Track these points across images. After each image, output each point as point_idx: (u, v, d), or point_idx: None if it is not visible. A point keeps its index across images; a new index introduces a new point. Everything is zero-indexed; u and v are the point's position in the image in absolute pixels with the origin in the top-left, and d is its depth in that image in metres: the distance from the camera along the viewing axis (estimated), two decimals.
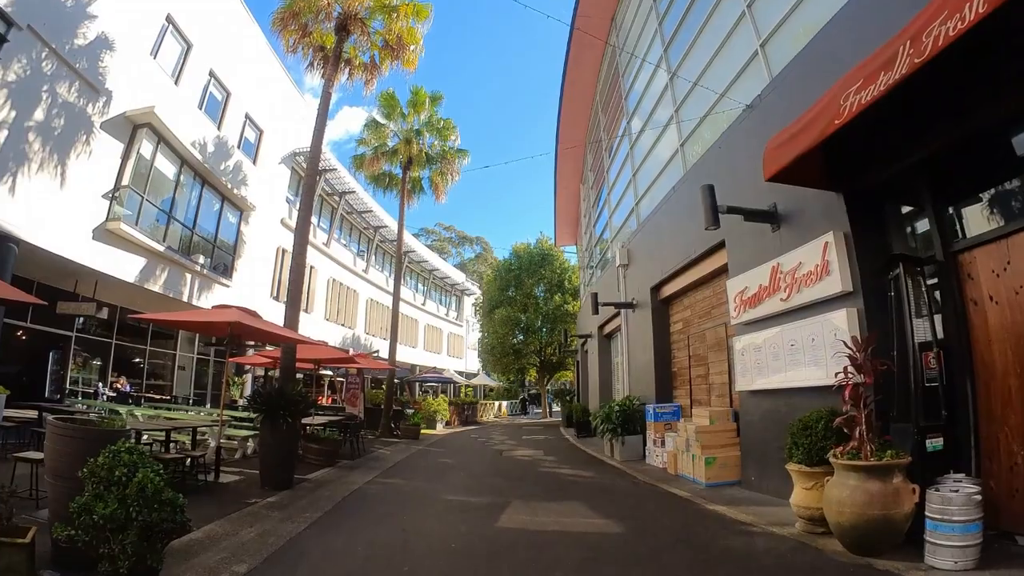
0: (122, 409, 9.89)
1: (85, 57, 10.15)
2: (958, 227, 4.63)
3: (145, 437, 7.34)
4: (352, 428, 11.61)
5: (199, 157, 13.51)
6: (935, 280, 4.70)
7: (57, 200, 9.64)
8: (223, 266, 15.53)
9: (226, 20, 14.96)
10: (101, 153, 10.67)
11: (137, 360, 14.69)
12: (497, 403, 36.03)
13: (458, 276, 42.68)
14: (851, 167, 5.04)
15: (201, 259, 13.99)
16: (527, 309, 30.96)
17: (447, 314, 41.30)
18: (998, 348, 4.22)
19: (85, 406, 10.41)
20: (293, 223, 14.42)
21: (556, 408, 34.60)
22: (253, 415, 8.17)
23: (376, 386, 24.99)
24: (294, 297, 9.15)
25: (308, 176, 10.23)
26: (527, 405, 43.79)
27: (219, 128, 14.86)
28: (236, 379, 17.77)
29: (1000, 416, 4.17)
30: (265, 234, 17.78)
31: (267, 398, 7.14)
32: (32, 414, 8.13)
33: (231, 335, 7.30)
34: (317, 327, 21.11)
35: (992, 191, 4.45)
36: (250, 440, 9.41)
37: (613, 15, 15.47)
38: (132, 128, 11.52)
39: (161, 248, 12.37)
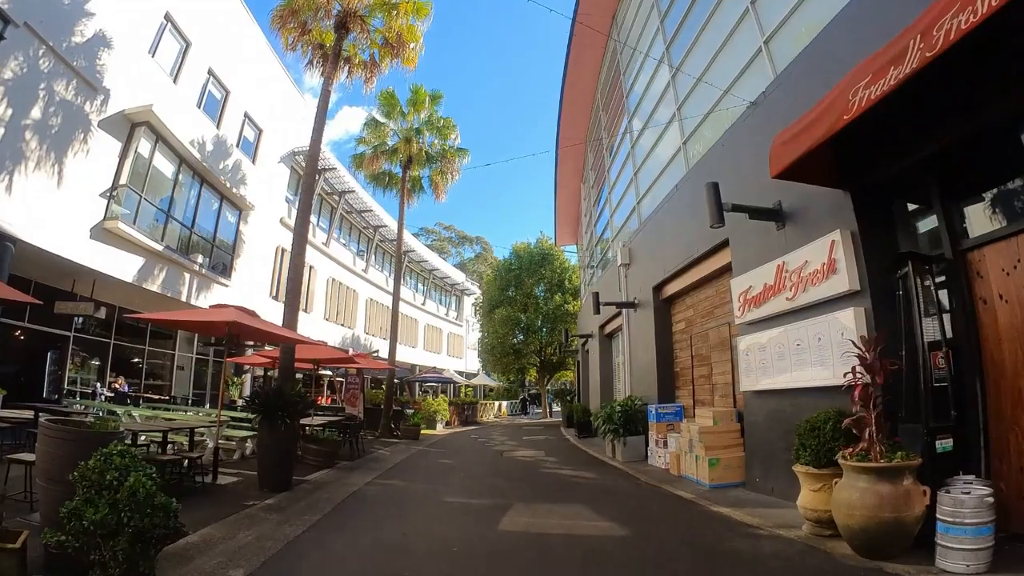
0: (120, 409, 9.81)
1: (83, 55, 10.06)
2: (967, 224, 4.56)
3: (143, 438, 7.27)
4: (351, 428, 11.53)
5: (198, 156, 13.43)
6: (943, 278, 4.63)
7: (54, 199, 9.55)
8: (222, 266, 15.45)
9: (225, 19, 14.89)
10: (99, 152, 10.58)
11: (136, 360, 14.60)
12: (497, 403, 35.96)
13: (458, 276, 42.60)
14: (859, 163, 4.97)
15: (200, 258, 13.90)
16: (527, 309, 30.89)
17: (447, 314, 41.22)
18: (1008, 347, 4.15)
19: (83, 406, 10.32)
20: (293, 222, 14.34)
21: (556, 408, 34.54)
22: (251, 416, 8.09)
23: (376, 386, 24.91)
24: (293, 297, 9.07)
25: (307, 175, 10.16)
26: (527, 405, 43.71)
27: (218, 127, 14.77)
28: (235, 379, 17.68)
29: (1010, 416, 4.11)
30: (264, 233, 17.70)
31: (265, 398, 7.06)
32: (28, 414, 8.04)
33: (229, 335, 7.22)
34: (316, 327, 21.03)
35: (1002, 188, 4.37)
36: (249, 441, 9.32)
37: (614, 14, 15.40)
38: (130, 127, 11.43)
39: (159, 247, 12.28)
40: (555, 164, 22.63)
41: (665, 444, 9.03)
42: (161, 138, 12.29)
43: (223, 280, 15.12)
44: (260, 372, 18.14)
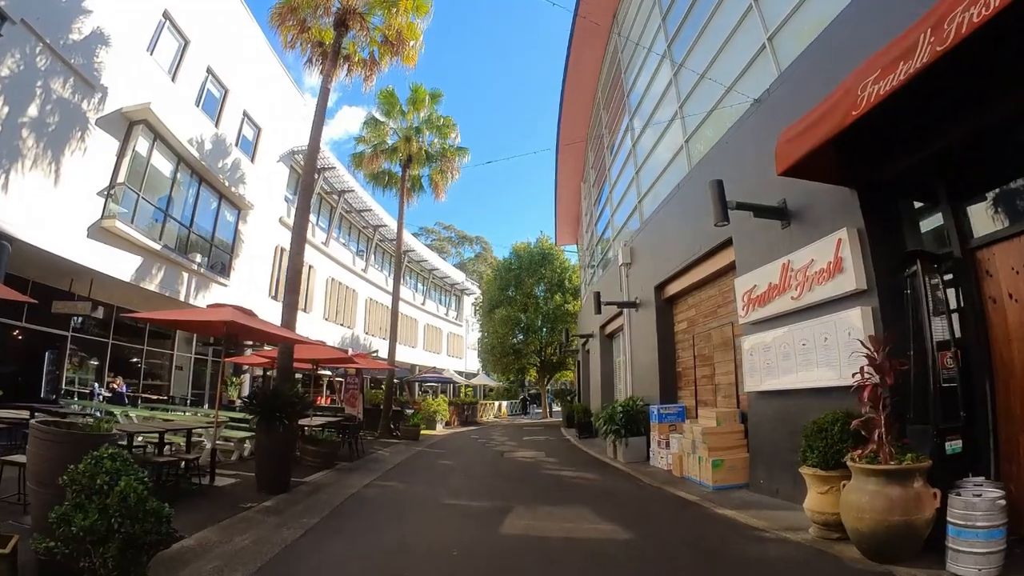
0: (117, 410, 9.73)
1: (80, 53, 9.99)
2: (976, 223, 4.49)
3: (139, 439, 7.19)
4: (351, 429, 11.45)
5: (196, 154, 13.34)
6: (951, 277, 4.56)
7: (51, 197, 9.48)
8: (221, 265, 15.36)
9: (225, 18, 14.81)
10: (96, 150, 10.50)
11: (134, 360, 14.52)
12: (497, 403, 35.89)
13: (458, 276, 42.51)
14: (866, 160, 4.89)
15: (198, 258, 13.82)
16: (527, 309, 30.82)
17: (447, 314, 41.14)
18: (1018, 347, 4.09)
19: (80, 407, 10.24)
20: (292, 222, 14.28)
21: (556, 408, 34.47)
22: (250, 416, 8.01)
23: (375, 386, 24.82)
24: (291, 296, 9.00)
25: (306, 174, 10.09)
26: (528, 405, 43.65)
27: (217, 125, 14.69)
28: (234, 379, 17.60)
29: (1020, 417, 4.05)
30: (263, 233, 17.61)
31: (263, 399, 6.98)
32: (25, 415, 7.96)
33: (227, 334, 7.14)
34: (316, 327, 20.95)
35: (1012, 185, 4.30)
36: (247, 442, 9.24)
37: (615, 12, 15.32)
38: (128, 125, 11.35)
39: (157, 247, 12.20)
40: (555, 163, 22.57)
41: (667, 445, 8.96)
42: (159, 136, 12.21)
43: (222, 280, 15.04)
44: (259, 372, 18.06)
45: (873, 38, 4.46)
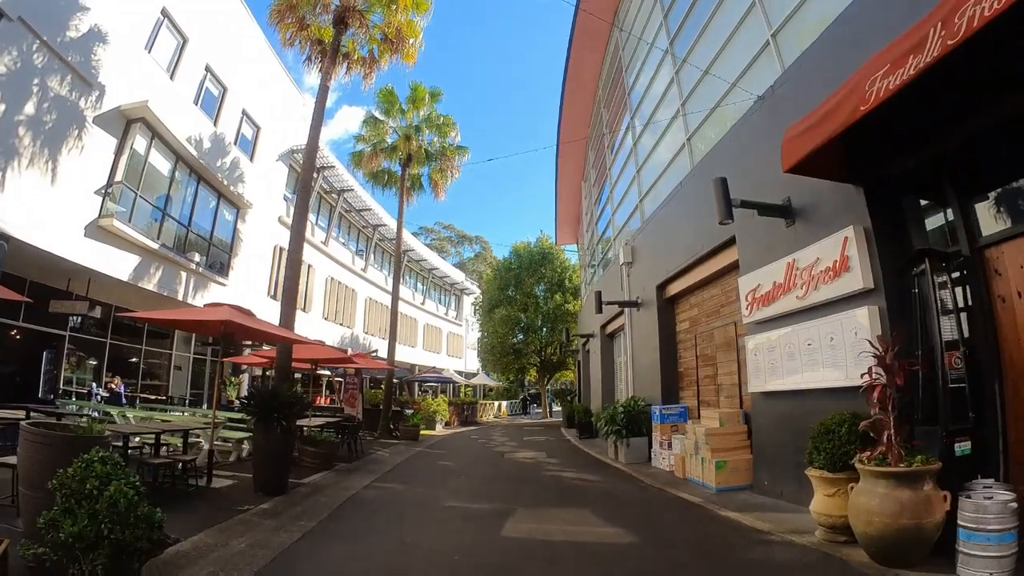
0: (114, 410, 9.65)
1: (77, 50, 9.90)
2: (984, 221, 4.42)
3: (136, 440, 7.12)
4: (350, 429, 11.37)
5: (194, 153, 13.26)
6: (960, 276, 4.48)
7: (48, 196, 9.39)
8: (219, 264, 15.27)
9: (224, 17, 14.71)
10: (94, 148, 10.42)
11: (133, 360, 14.43)
12: (497, 403, 35.83)
13: (457, 275, 42.42)
14: (873, 157, 4.81)
15: (197, 257, 13.73)
16: (527, 308, 30.75)
17: (446, 313, 41.05)
18: None
19: (77, 407, 10.17)
20: (291, 221, 14.21)
21: (556, 408, 34.40)
22: (248, 417, 7.93)
23: (375, 386, 24.75)
24: (290, 296, 8.93)
25: (304, 172, 10.02)
26: (528, 405, 43.59)
27: (215, 124, 14.60)
28: (232, 379, 17.51)
29: None
30: (262, 232, 17.53)
31: (260, 399, 6.90)
32: (21, 415, 7.88)
33: (224, 334, 7.05)
34: (315, 326, 20.87)
35: (1021, 182, 4.23)
36: (245, 443, 9.15)
37: (616, 10, 15.24)
38: (126, 123, 11.26)
39: (155, 246, 12.11)
40: (556, 162, 22.50)
41: (669, 446, 8.88)
42: (157, 135, 12.12)
43: (220, 279, 14.95)
44: (258, 372, 17.99)
45: (881, 33, 4.39)
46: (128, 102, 11.03)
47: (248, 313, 7.34)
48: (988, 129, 4.09)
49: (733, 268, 7.84)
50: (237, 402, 14.27)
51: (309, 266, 20.12)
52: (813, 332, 5.63)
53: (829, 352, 5.36)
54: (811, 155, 4.60)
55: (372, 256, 27.90)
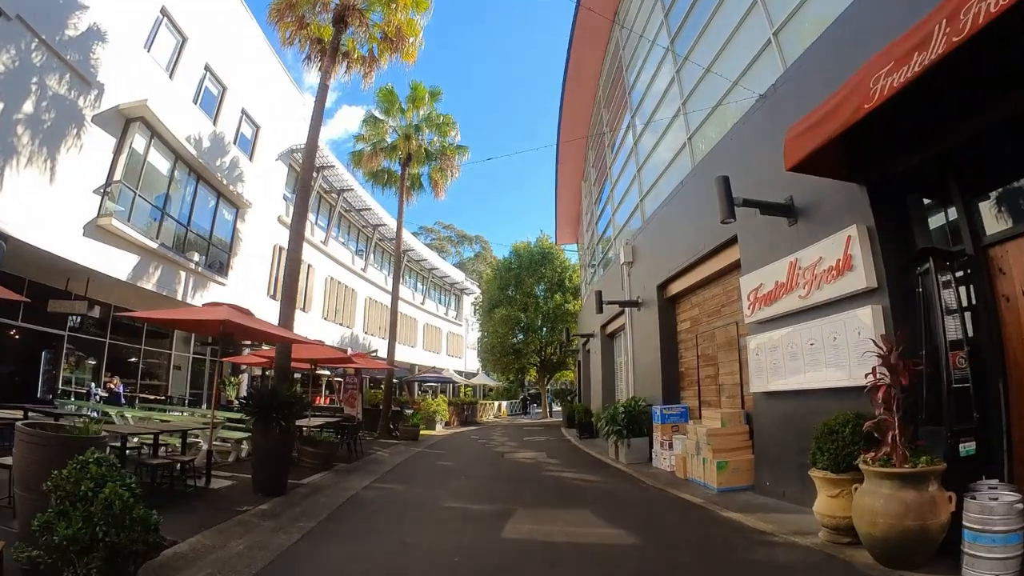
0: (112, 410, 9.61)
1: (76, 49, 9.87)
2: (989, 220, 4.38)
3: (134, 440, 7.07)
4: (349, 430, 11.34)
5: (194, 152, 13.22)
6: (964, 275, 4.45)
7: (47, 195, 9.36)
8: (219, 264, 15.24)
9: (223, 15, 14.68)
10: (92, 147, 10.38)
11: (132, 360, 14.40)
12: (497, 403, 35.80)
13: (457, 275, 42.38)
14: (877, 155, 4.78)
15: (196, 257, 13.70)
16: (527, 308, 30.73)
17: (446, 313, 41.02)
18: None
19: (76, 407, 10.13)
20: (291, 221, 14.17)
21: (556, 408, 34.37)
22: (246, 417, 7.89)
23: (375, 386, 24.71)
24: (289, 295, 8.90)
25: (304, 171, 9.99)
26: (528, 405, 43.55)
27: (215, 123, 14.56)
28: (232, 379, 17.48)
29: None
30: (262, 232, 17.49)
31: (259, 400, 6.86)
32: (19, 415, 7.84)
33: (223, 334, 7.02)
34: (314, 326, 20.83)
35: None
36: (244, 443, 9.11)
37: (617, 8, 15.21)
38: (124, 122, 11.23)
39: (154, 245, 12.08)
40: (556, 162, 22.47)
41: (670, 446, 8.85)
42: (156, 134, 12.09)
43: (220, 279, 14.91)
44: (258, 372, 17.95)
45: (883, 32, 4.35)
46: (127, 101, 10.99)
47: (247, 313, 7.30)
48: (993, 126, 4.05)
49: (735, 267, 7.80)
50: (236, 402, 14.24)
51: (309, 266, 20.08)
52: (816, 332, 5.59)
53: (832, 352, 5.33)
54: (814, 153, 4.56)
55: (372, 256, 27.87)
